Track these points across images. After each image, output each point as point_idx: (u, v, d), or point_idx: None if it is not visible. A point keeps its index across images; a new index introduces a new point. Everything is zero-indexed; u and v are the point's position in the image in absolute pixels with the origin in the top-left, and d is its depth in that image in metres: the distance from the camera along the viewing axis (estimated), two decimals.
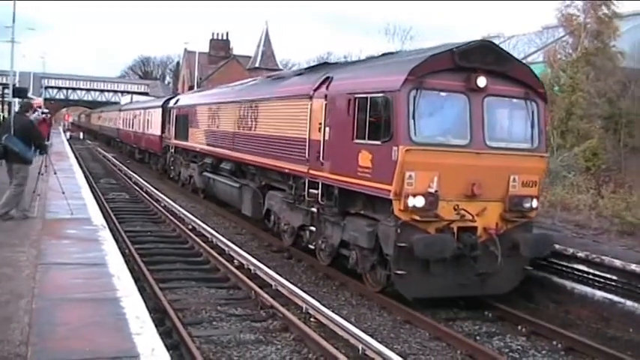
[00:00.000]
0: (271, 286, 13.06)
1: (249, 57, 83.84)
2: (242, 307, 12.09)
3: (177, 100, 30.67)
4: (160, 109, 34.56)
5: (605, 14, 31.91)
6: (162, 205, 23.94)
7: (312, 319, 11.23)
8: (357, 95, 13.07)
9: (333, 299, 13.12)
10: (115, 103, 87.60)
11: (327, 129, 14.18)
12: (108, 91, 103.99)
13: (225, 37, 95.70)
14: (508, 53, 12.87)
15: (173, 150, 30.91)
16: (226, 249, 16.17)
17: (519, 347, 11.19)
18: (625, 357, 10.53)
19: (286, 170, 16.25)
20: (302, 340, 10.29)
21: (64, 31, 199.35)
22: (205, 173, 24.56)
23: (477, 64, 12.29)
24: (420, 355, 10.34)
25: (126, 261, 11.02)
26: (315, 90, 14.91)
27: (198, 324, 10.99)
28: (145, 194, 27.35)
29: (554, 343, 11.34)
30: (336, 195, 13.85)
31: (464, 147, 12.37)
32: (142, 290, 10.31)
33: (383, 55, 15.30)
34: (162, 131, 33.87)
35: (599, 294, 12.80)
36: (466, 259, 12.26)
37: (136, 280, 10.21)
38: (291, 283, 12.98)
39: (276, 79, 19.12)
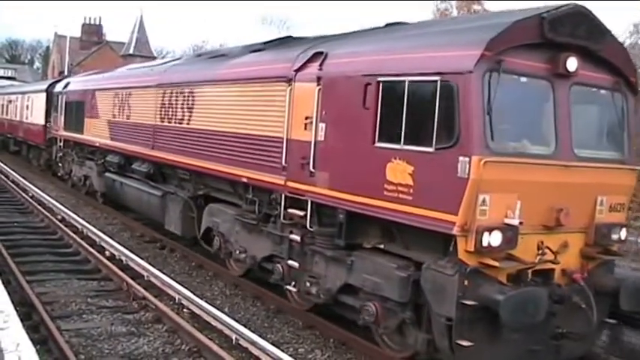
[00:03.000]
0: (144, 277, 12.21)
1: (123, 43, 78.59)
2: (113, 299, 11.29)
3: (68, 84, 24.19)
4: (44, 95, 27.98)
5: (476, 11, 31.69)
6: (30, 194, 21.98)
7: (185, 310, 10.54)
8: (382, 78, 8.44)
9: (207, 289, 12.26)
10: None
11: (323, 126, 9.41)
12: None
13: (98, 23, 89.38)
14: (603, 24, 8.36)
15: (62, 143, 24.50)
16: (97, 240, 15.07)
17: None
18: None
19: (244, 179, 11.17)
20: (175, 332, 9.69)
21: None
22: (108, 174, 18.84)
23: (567, 38, 7.93)
24: (294, 343, 9.79)
25: None
26: (297, 70, 10.00)
27: (68, 317, 10.18)
28: (11, 183, 25.10)
29: None
30: (342, 221, 9.01)
31: (548, 157, 8.05)
32: (6, 283, 9.84)
33: (392, 24, 10.39)
34: (47, 120, 27.39)
35: None
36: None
37: (1, 273, 9.87)
38: (163, 273, 12.18)
39: (217, 56, 13.81)
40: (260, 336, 9.09)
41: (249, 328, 9.46)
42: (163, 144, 14.50)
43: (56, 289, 11.57)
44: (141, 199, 16.22)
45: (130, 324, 9.96)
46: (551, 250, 8.05)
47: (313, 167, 9.47)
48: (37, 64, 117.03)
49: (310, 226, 9.65)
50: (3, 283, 8.42)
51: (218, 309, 10.22)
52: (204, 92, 12.83)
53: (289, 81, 10.11)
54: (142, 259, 13.17)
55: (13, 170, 28.49)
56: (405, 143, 8.01)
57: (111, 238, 15.08)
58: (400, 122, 8.08)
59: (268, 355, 8.46)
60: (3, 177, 26.58)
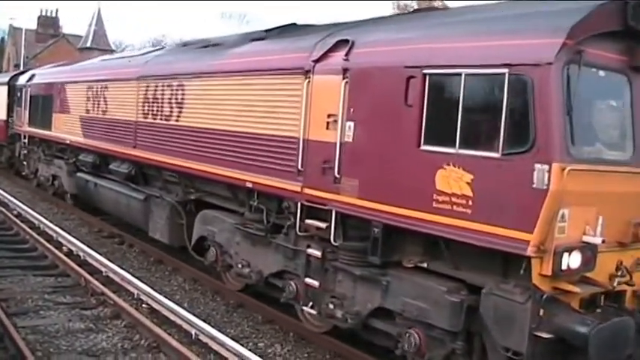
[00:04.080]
0: (102, 272, 11.95)
1: (81, 36, 77.10)
2: (71, 294, 10.93)
3: (33, 76, 22.18)
4: (6, 88, 25.87)
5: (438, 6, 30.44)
6: None
7: (143, 305, 10.30)
8: (429, 70, 7.09)
9: (166, 284, 11.94)
10: None
11: (351, 125, 8.01)
12: None
13: (54, 15, 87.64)
14: None
15: (26, 140, 22.53)
16: (55, 235, 14.69)
17: None
18: None
19: (248, 184, 9.70)
20: (134, 327, 9.46)
21: None
22: (81, 175, 17.07)
23: None
24: (253, 337, 9.58)
25: None
26: (316, 61, 8.56)
27: (24, 314, 9.89)
28: None
29: None
30: (377, 235, 7.62)
31: (625, 164, 6.85)
32: None
33: (421, 10, 8.99)
34: (9, 115, 25.37)
35: None
36: None
37: None
38: (122, 269, 11.93)
39: (209, 46, 12.22)
40: (220, 331, 8.94)
41: (209, 323, 9.28)
42: (147, 142, 12.90)
43: (12, 286, 11.21)
44: (119, 202, 14.57)
45: (89, 320, 9.71)
46: (627, 270, 6.83)
47: (338, 172, 8.07)
48: None
49: (334, 240, 8.25)
50: None
51: (177, 304, 10.05)
52: (197, 85, 11.28)
53: (306, 73, 8.68)
54: (100, 254, 12.90)
55: None
56: (461, 147, 6.69)
57: (68, 233, 14.71)
58: (454, 122, 6.75)
59: (228, 349, 8.30)
60: None
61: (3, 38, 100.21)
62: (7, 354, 8.27)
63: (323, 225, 8.35)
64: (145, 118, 12.97)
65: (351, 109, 7.98)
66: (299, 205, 8.74)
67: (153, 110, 12.68)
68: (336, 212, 8.17)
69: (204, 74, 11.10)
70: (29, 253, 13.64)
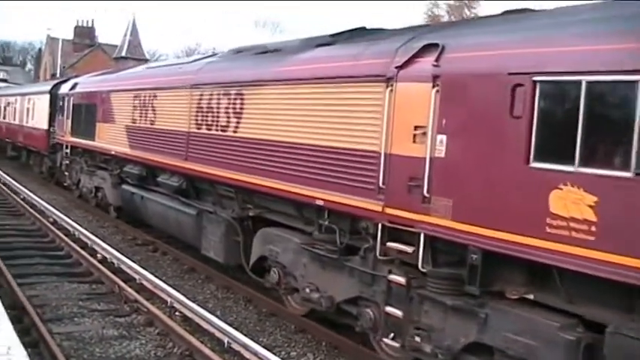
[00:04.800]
0: (135, 280, 11.95)
1: (116, 46, 78.04)
2: (105, 302, 11.02)
3: (76, 85, 21.57)
4: (48, 96, 25.40)
5: (468, 15, 31.15)
6: (22, 197, 21.64)
7: (177, 313, 10.27)
8: (540, 77, 6.25)
9: (199, 292, 11.90)
10: None
11: (443, 138, 7.16)
12: None
13: (90, 25, 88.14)
14: None
15: (69, 150, 21.91)
16: (89, 242, 14.78)
17: None
18: None
19: (319, 202, 8.89)
20: (167, 335, 9.38)
21: None
22: (126, 187, 16.41)
23: None
24: (286, 346, 9.44)
25: None
26: (400, 67, 7.73)
27: (59, 320, 9.84)
28: (2, 185, 24.78)
29: None
30: (475, 262, 6.76)
31: None
32: None
33: (516, 11, 8.10)
34: (51, 124, 24.83)
35: None
36: None
37: None
38: (155, 276, 11.89)
39: (268, 52, 11.43)
40: (252, 339, 8.85)
41: (241, 332, 9.22)
42: (200, 154, 12.16)
43: (47, 292, 11.30)
44: (168, 216, 13.86)
45: (122, 327, 9.75)
46: None
47: (428, 191, 7.23)
48: (29, 66, 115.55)
49: (422, 266, 7.41)
50: None
51: (210, 312, 10.02)
52: (258, 94, 10.52)
53: (388, 80, 7.85)
54: (133, 262, 12.92)
55: (7, 175, 27.34)
56: (581, 165, 5.80)
57: (103, 240, 14.76)
58: (572, 136, 5.86)
59: (260, 358, 8.24)
60: None
61: (40, 48, 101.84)
62: None
63: (409, 249, 7.52)
64: (199, 128, 12.25)
65: (443, 121, 7.14)
66: (380, 226, 7.92)
67: (207, 120, 11.95)
68: (425, 235, 7.33)
69: (266, 82, 10.33)
70: (64, 260, 13.73)
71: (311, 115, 9.18)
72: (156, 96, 14.38)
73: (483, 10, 34.73)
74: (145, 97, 14.97)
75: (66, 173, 22.53)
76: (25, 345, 6.70)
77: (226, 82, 11.46)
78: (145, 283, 11.65)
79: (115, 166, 17.34)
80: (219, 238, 11.70)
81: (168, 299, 10.66)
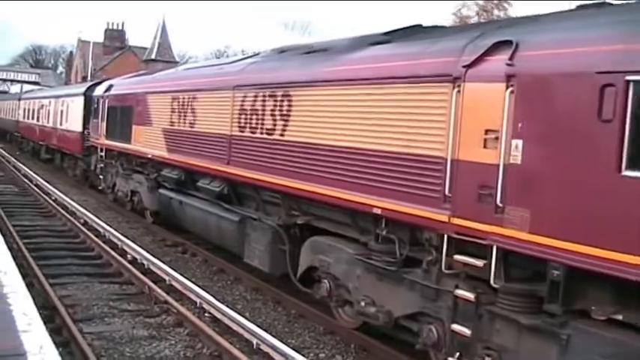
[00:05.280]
0: (165, 280, 12.03)
1: (146, 48, 79.49)
2: (135, 302, 11.03)
3: (111, 87, 21.14)
4: (82, 98, 25.11)
5: (499, 16, 30.51)
6: (53, 198, 21.76)
7: (206, 314, 10.28)
8: (634, 77, 5.68)
9: (228, 294, 11.94)
10: (4, 92, 79.01)
11: (519, 143, 6.57)
12: None
13: (120, 28, 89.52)
14: None
15: (103, 153, 21.52)
16: (119, 243, 14.88)
17: None
18: None
19: (376, 210, 8.33)
20: (196, 336, 9.44)
21: None
22: (164, 192, 15.95)
23: None
24: (315, 348, 9.44)
25: (13, 256, 10.33)
26: (468, 66, 7.15)
27: (90, 320, 9.96)
28: (35, 187, 24.84)
29: None
30: (558, 279, 6.17)
31: None
32: (30, 286, 9.66)
33: (588, 5, 7.48)
34: (85, 127, 24.52)
35: None
36: None
37: (24, 276, 9.56)
38: (185, 277, 11.96)
39: (314, 52, 10.87)
40: (281, 341, 8.85)
41: (270, 333, 9.24)
42: (243, 159, 11.66)
43: (78, 292, 11.42)
44: (208, 222, 13.38)
45: (152, 327, 9.82)
46: None
47: (501, 201, 6.64)
48: (61, 68, 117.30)
49: (494, 281, 6.83)
50: (26, 286, 8.40)
51: (239, 313, 10.05)
52: (307, 95, 9.99)
53: (455, 80, 7.28)
54: (163, 263, 13.01)
55: (40, 177, 27.37)
56: None
57: (133, 241, 14.90)
58: None
59: None
60: (27, 181, 26.47)
61: (72, 51, 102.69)
62: (74, 359, 8.43)
63: (479, 263, 6.94)
64: (242, 131, 11.76)
65: (519, 125, 6.55)
66: (445, 237, 7.35)
67: (251, 123, 11.45)
68: (498, 248, 6.76)
69: (315, 83, 9.79)
70: (95, 261, 13.90)
71: (367, 117, 8.61)
72: (195, 98, 13.91)
73: (514, 10, 33.97)
74: (183, 98, 14.50)
75: (100, 177, 22.13)
76: (57, 344, 6.78)
77: (272, 83, 10.94)
78: (174, 284, 11.71)
79: (152, 169, 16.90)
80: (264, 247, 11.19)
81: (198, 300, 10.71)
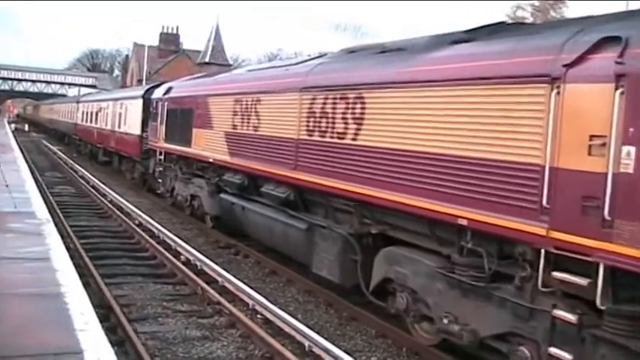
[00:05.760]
0: (218, 282, 12.07)
1: (200, 52, 78.87)
2: (188, 303, 11.11)
3: (170, 89, 20.83)
4: (141, 101, 25.01)
5: (554, 17, 30.09)
6: (109, 199, 22.15)
7: (258, 316, 10.28)
8: None
9: (280, 296, 11.93)
10: (63, 95, 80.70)
11: (631, 150, 5.94)
12: (55, 82, 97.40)
13: (175, 32, 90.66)
14: None
15: (162, 157, 21.26)
16: (173, 244, 14.98)
17: None
18: None
19: (461, 221, 7.75)
20: (248, 337, 9.48)
21: (10, 20, 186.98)
22: (225, 196, 15.57)
23: None
24: (367, 351, 9.37)
25: (71, 256, 10.07)
26: (569, 65, 6.53)
27: (144, 320, 10.08)
28: (91, 188, 25.24)
29: None
30: None
31: None
32: (86, 285, 9.50)
33: None
34: (143, 130, 24.39)
35: None
36: None
37: (81, 276, 9.37)
38: (237, 279, 11.97)
39: (388, 51, 10.30)
40: (333, 343, 8.82)
41: (322, 335, 9.21)
42: (311, 164, 11.19)
43: (133, 293, 11.60)
44: (273, 229, 12.95)
45: (205, 328, 9.90)
46: None
47: (610, 213, 6.01)
48: (117, 72, 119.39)
49: (601, 303, 6.20)
50: (83, 285, 8.45)
51: (291, 315, 10.04)
52: (382, 98, 9.45)
53: (554, 81, 6.66)
54: (216, 264, 13.08)
55: (96, 178, 27.94)
56: None
57: (186, 243, 14.99)
58: None
59: None
60: (84, 183, 26.90)
61: (127, 55, 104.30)
62: (128, 358, 8.55)
63: (583, 281, 6.32)
64: (310, 135, 11.29)
65: (631, 129, 5.91)
66: (543, 252, 6.75)
67: (320, 126, 10.97)
68: (606, 266, 6.13)
69: (393, 84, 9.24)
70: (149, 262, 14.07)
71: (451, 121, 8.03)
72: (260, 100, 13.50)
73: (570, 11, 33.29)
74: (247, 101, 14.11)
75: (159, 180, 21.86)
76: (112, 343, 6.82)
77: (344, 85, 10.42)
78: (227, 285, 11.76)
79: (213, 174, 16.54)
80: (333, 257, 10.68)
81: (250, 302, 10.74)
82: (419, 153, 8.53)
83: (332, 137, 10.61)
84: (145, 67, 78.90)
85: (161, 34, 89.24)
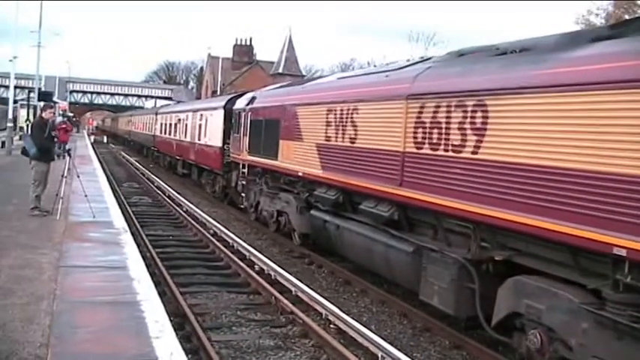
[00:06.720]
0: (291, 291, 12.00)
1: (273, 62, 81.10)
2: (262, 312, 11.16)
3: (254, 99, 19.93)
4: (222, 112, 24.32)
5: None
6: (184, 209, 22.24)
7: (331, 326, 10.22)
8: None
9: (353, 306, 11.88)
10: (140, 107, 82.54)
11: None
12: (132, 95, 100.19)
13: (248, 43, 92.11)
14: None
15: (245, 170, 20.37)
16: (247, 254, 14.99)
17: None
18: None
19: (619, 251, 6.54)
20: (321, 347, 9.41)
21: (89, 36, 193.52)
22: (316, 213, 14.62)
23: None
24: None
25: (147, 265, 10.56)
26: None
27: (218, 329, 10.13)
28: (167, 198, 25.43)
29: None
30: None
31: None
32: (162, 294, 9.76)
33: None
34: (225, 142, 23.73)
35: None
36: None
37: (157, 284, 9.77)
38: (311, 289, 11.86)
39: (517, 51, 9.13)
40: (406, 354, 8.65)
41: (396, 346, 9.00)
42: (421, 180, 10.08)
43: (208, 301, 11.65)
44: (372, 251, 11.88)
45: (278, 338, 9.88)
46: None
47: None
48: (192, 84, 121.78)
49: None
50: (159, 294, 8.63)
51: (364, 326, 9.90)
52: (511, 105, 8.29)
53: None
54: (290, 274, 12.99)
55: (171, 188, 28.16)
56: None
57: (260, 252, 14.93)
58: None
59: None
60: (159, 192, 27.35)
61: (202, 67, 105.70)
62: None
63: None
64: (419, 148, 10.20)
65: None
66: None
67: (432, 138, 9.87)
68: None
69: (523, 89, 8.10)
70: (223, 271, 14.10)
71: (599, 132, 6.85)
72: (357, 109, 12.48)
73: None
74: (341, 110, 13.12)
75: (242, 194, 20.99)
76: (186, 351, 6.90)
77: (460, 91, 9.32)
78: (300, 295, 11.73)
79: (303, 189, 15.61)
80: (447, 284, 9.54)
81: (324, 312, 10.72)
82: (562, 169, 7.34)
83: (446, 150, 9.51)
84: (220, 79, 79.53)
85: (235, 45, 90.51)
